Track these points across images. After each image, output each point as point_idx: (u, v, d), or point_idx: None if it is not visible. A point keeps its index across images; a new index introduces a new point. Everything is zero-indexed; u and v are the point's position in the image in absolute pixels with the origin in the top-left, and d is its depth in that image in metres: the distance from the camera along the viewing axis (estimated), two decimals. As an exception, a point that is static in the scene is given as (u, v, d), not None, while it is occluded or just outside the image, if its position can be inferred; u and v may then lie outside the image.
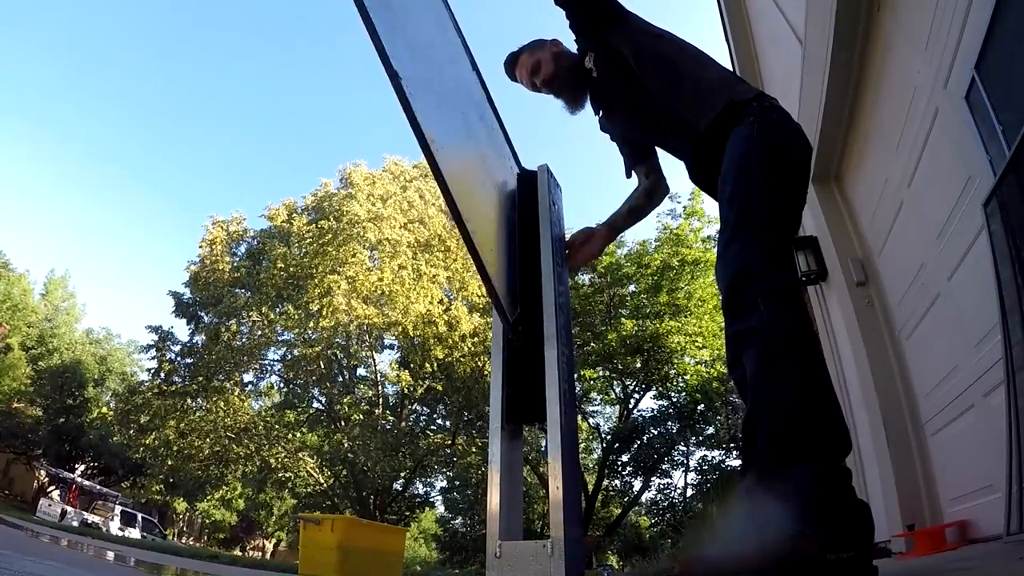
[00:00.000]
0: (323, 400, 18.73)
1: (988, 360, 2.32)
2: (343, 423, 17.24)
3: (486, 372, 15.49)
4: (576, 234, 1.86)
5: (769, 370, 1.19)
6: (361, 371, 19.36)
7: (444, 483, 23.53)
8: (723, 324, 1.41)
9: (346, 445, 16.30)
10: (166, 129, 64.69)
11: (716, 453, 17.09)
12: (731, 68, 6.46)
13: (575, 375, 2.94)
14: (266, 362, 18.24)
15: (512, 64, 1.88)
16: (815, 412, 1.14)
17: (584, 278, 15.44)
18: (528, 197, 1.92)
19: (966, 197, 2.38)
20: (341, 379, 19.01)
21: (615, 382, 17.44)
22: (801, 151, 1.50)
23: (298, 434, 18.98)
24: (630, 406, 17.48)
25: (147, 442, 16.67)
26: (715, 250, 1.45)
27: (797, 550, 1.01)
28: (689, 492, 17.47)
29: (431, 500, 24.57)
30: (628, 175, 1.93)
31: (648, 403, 19.79)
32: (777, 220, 1.33)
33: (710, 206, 14.40)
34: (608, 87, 1.74)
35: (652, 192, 1.89)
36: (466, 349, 16.51)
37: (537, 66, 1.81)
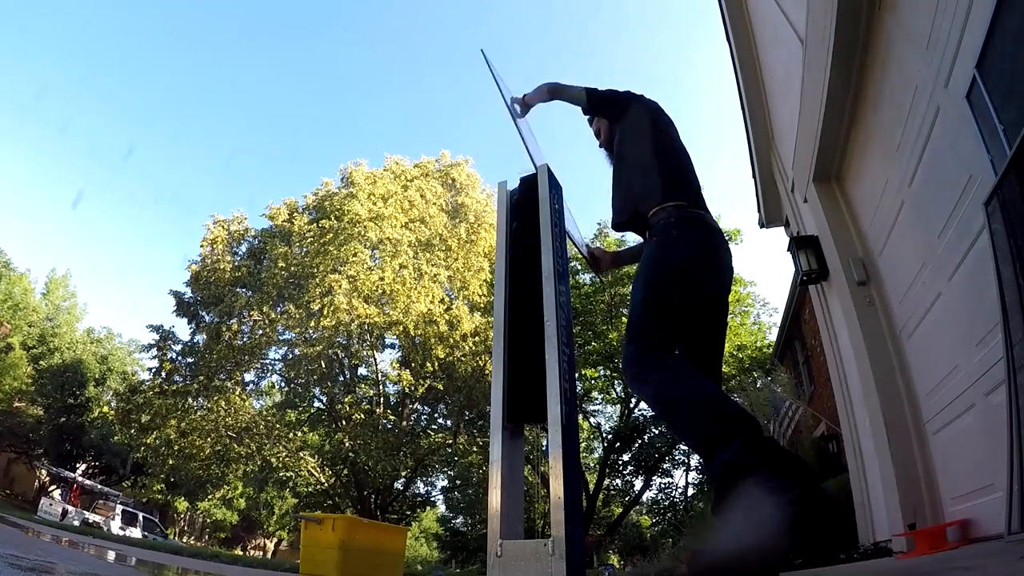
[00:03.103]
0: (324, 399, 18.72)
1: (989, 359, 2.32)
2: (344, 422, 17.22)
3: (487, 371, 15.48)
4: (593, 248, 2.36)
5: (667, 411, 1.57)
6: (362, 370, 19.35)
7: (445, 482, 23.59)
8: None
9: (347, 444, 16.30)
10: (167, 128, 64.78)
11: (717, 452, 17.05)
12: (736, 72, 6.48)
13: (576, 374, 2.95)
14: (267, 361, 18.23)
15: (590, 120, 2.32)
16: (707, 418, 1.47)
17: (585, 277, 15.42)
18: (528, 197, 1.92)
19: (967, 196, 2.37)
20: (342, 378, 19.00)
21: (616, 381, 17.44)
22: (694, 260, 1.74)
23: (299, 433, 18.98)
24: (631, 405, 17.47)
25: (148, 441, 16.66)
26: None
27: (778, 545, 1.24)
28: (690, 491, 17.49)
29: (432, 499, 24.62)
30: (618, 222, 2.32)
31: (649, 402, 19.72)
32: (650, 324, 1.66)
33: (711, 206, 14.36)
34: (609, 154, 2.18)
35: None
36: (467, 348, 16.51)
37: (598, 132, 2.25)
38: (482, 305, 17.23)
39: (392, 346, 19.20)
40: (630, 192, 1.95)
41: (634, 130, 2.05)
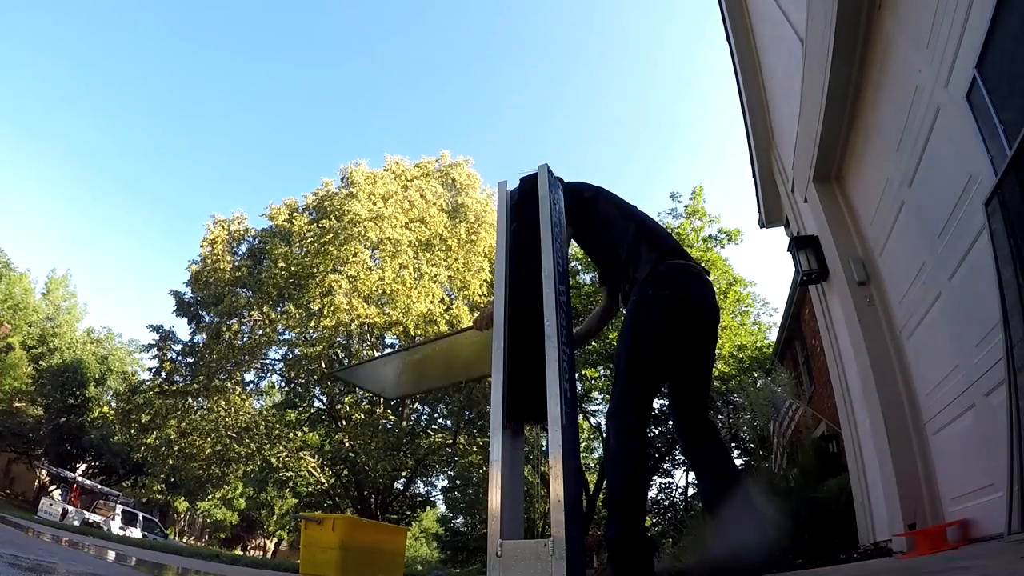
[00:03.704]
0: (324, 399, 18.71)
1: (989, 359, 2.32)
2: (344, 422, 17.22)
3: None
4: None
5: (609, 472, 1.88)
6: (362, 370, 19.33)
7: (445, 482, 23.57)
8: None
9: (347, 444, 16.29)
10: (167, 128, 64.79)
11: (717, 452, 17.04)
12: (736, 72, 6.48)
13: (576, 374, 2.95)
14: (267, 361, 18.21)
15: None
16: (618, 501, 1.79)
17: (585, 277, 15.42)
18: (528, 197, 1.92)
19: (967, 196, 2.37)
20: (342, 378, 19.00)
21: (616, 381, 17.44)
22: (672, 318, 1.90)
23: (299, 433, 18.96)
24: (631, 405, 17.45)
25: (148, 441, 16.65)
26: None
27: None
28: (690, 491, 17.48)
29: (432, 499, 24.61)
30: (601, 285, 2.42)
31: (649, 402, 19.70)
32: (632, 382, 1.88)
33: (711, 206, 14.40)
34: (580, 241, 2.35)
35: (606, 314, 2.40)
36: (467, 348, 16.48)
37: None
38: (482, 305, 17.22)
39: (392, 346, 19.20)
40: (620, 265, 2.13)
41: (603, 220, 2.22)
